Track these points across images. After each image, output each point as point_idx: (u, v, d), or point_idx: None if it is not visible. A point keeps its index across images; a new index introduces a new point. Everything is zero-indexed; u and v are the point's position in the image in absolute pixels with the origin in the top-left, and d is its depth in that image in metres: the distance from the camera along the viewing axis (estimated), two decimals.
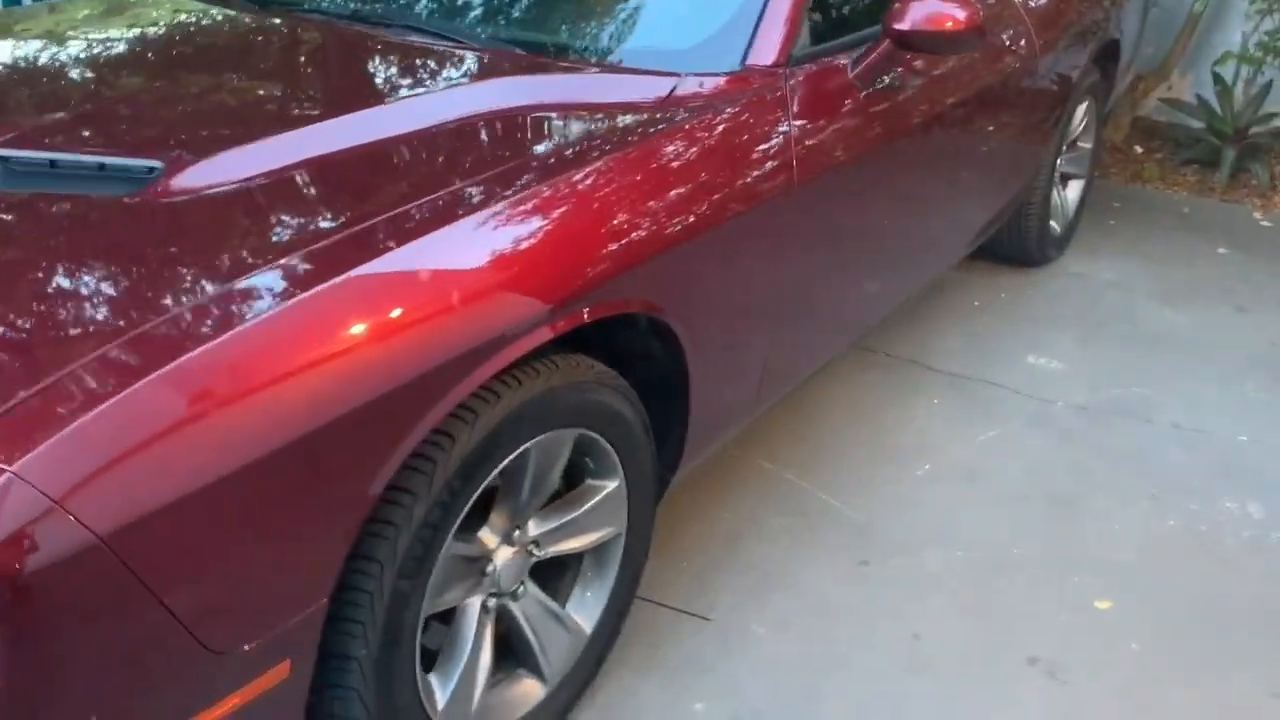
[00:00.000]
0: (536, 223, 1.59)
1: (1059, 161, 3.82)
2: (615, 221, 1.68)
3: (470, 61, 2.08)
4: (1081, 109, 3.86)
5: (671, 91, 1.95)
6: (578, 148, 1.74)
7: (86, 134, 1.71)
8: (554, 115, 1.87)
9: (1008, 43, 2.96)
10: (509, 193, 1.60)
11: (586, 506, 1.85)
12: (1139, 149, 5.34)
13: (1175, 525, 2.58)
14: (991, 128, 2.99)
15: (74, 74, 2.09)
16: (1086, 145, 4.05)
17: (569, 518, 1.83)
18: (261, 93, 2.00)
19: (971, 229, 3.22)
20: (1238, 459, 2.85)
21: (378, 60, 2.09)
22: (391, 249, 1.44)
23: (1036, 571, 2.40)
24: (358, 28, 2.22)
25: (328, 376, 1.30)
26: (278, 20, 2.30)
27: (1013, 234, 3.78)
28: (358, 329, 1.34)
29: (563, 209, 1.63)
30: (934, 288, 3.68)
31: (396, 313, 1.39)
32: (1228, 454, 2.87)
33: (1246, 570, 2.44)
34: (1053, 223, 3.91)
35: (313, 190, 1.60)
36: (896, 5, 2.20)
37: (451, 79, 1.98)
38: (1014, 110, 3.09)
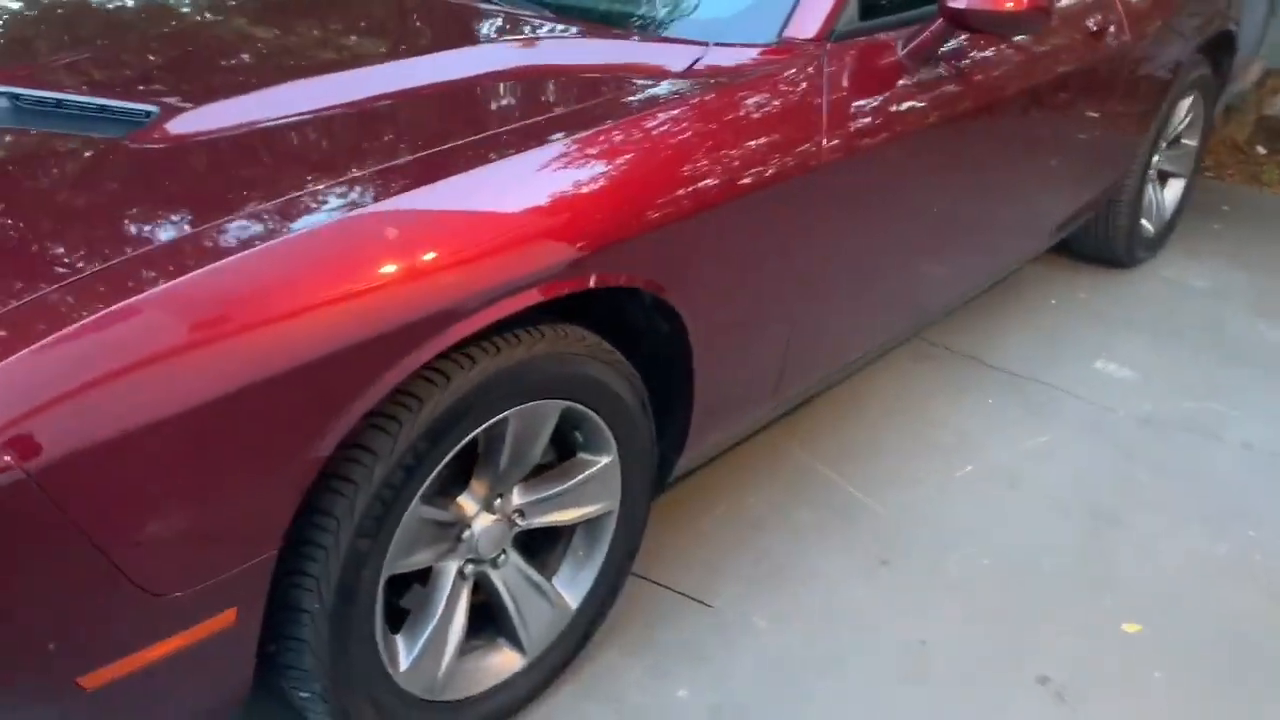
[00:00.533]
0: (526, 185, 1.56)
1: (1156, 158, 3.61)
2: (612, 190, 1.63)
3: (479, 20, 2.04)
4: (1186, 103, 3.63)
5: (695, 62, 1.89)
6: (577, 112, 1.70)
7: (97, 76, 1.74)
8: (559, 79, 1.82)
9: (1094, 27, 2.79)
10: (497, 153, 1.57)
11: (575, 480, 1.82)
12: (1262, 150, 5.02)
13: (1227, 552, 2.42)
14: (1069, 117, 2.83)
15: (90, 17, 2.13)
16: (1191, 142, 3.82)
17: (556, 490, 1.80)
18: (274, 42, 2.01)
19: (1046, 224, 3.07)
20: None
21: (393, 14, 2.07)
22: (373, 203, 1.42)
23: (1064, 587, 2.28)
24: None
25: (281, 329, 1.29)
26: None
27: (1099, 232, 3.59)
28: (320, 283, 1.33)
29: (554, 172, 1.59)
30: (1009, 283, 3.53)
31: (368, 268, 1.37)
32: None
33: None
34: (1145, 222, 3.71)
35: (300, 143, 1.59)
36: None
37: (446, 38, 1.95)
38: (1098, 100, 2.92)
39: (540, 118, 1.67)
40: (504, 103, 1.72)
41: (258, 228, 1.35)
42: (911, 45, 2.15)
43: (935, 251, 2.55)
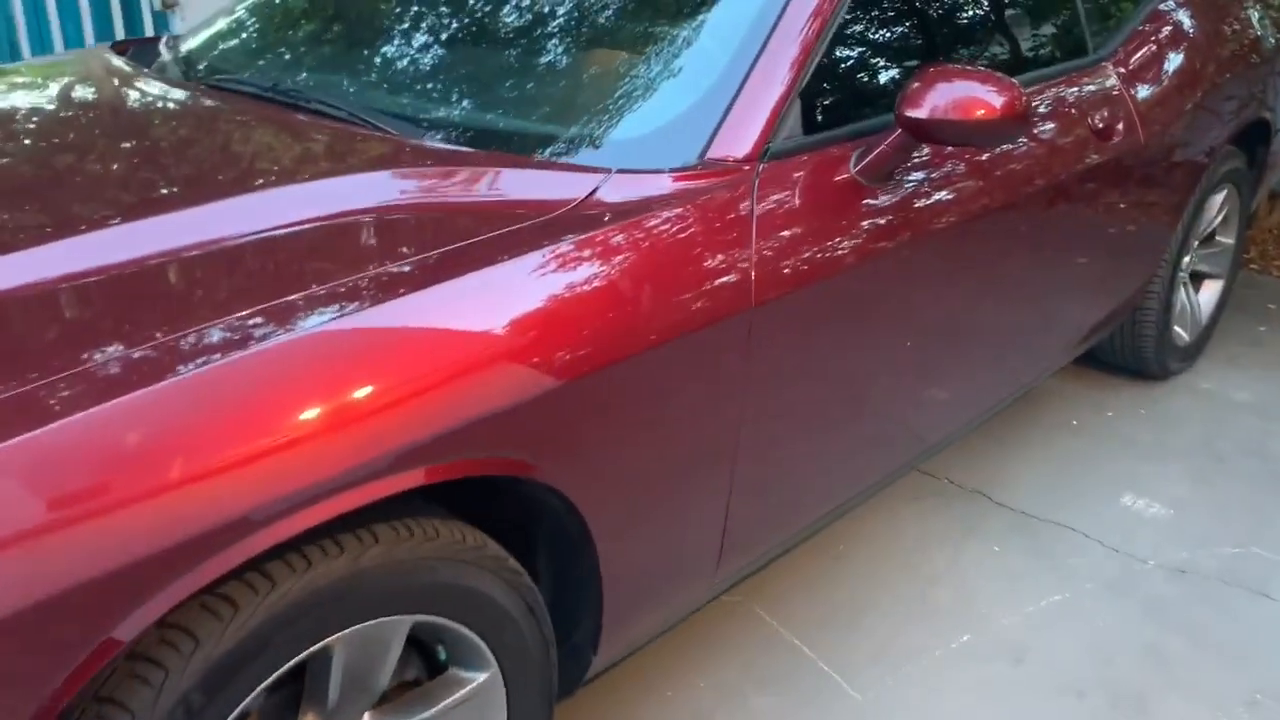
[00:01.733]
0: (337, 361, 1.25)
1: (1187, 259, 3.25)
2: (462, 357, 1.33)
3: (350, 148, 1.74)
4: (1218, 199, 3.28)
5: (591, 193, 1.59)
6: (422, 262, 1.40)
7: None
8: (408, 220, 1.52)
9: (1099, 124, 2.47)
10: (316, 318, 1.27)
11: (445, 703, 1.49)
12: None
13: None
14: (1074, 225, 2.49)
15: None
16: (1227, 240, 3.45)
17: (423, 716, 1.47)
18: (108, 174, 1.73)
19: (1057, 340, 2.71)
20: None
21: (251, 139, 1.79)
22: (144, 384, 1.13)
23: None
24: (250, 102, 1.94)
25: None
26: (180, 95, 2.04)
27: (1126, 342, 3.22)
28: (36, 505, 1.04)
29: (379, 341, 1.28)
30: (1027, 399, 3.17)
31: (104, 479, 1.07)
32: None
33: None
34: (1178, 329, 3.33)
35: (40, 317, 1.30)
36: (913, 86, 1.78)
37: (308, 170, 1.65)
38: (1108, 204, 2.58)
39: (370, 271, 1.37)
40: (328, 254, 1.42)
41: None
42: (866, 161, 1.84)
43: (916, 383, 2.20)
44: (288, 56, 2.12)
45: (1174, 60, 2.81)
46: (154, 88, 2.04)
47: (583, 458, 1.48)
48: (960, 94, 1.76)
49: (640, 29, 1.95)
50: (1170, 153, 2.78)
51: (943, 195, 2.00)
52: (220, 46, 2.22)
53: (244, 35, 2.24)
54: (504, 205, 1.56)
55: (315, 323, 1.27)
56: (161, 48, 2.22)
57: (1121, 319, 3.09)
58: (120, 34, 4.68)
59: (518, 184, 1.61)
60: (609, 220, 1.53)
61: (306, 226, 1.49)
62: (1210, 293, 3.48)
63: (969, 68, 1.81)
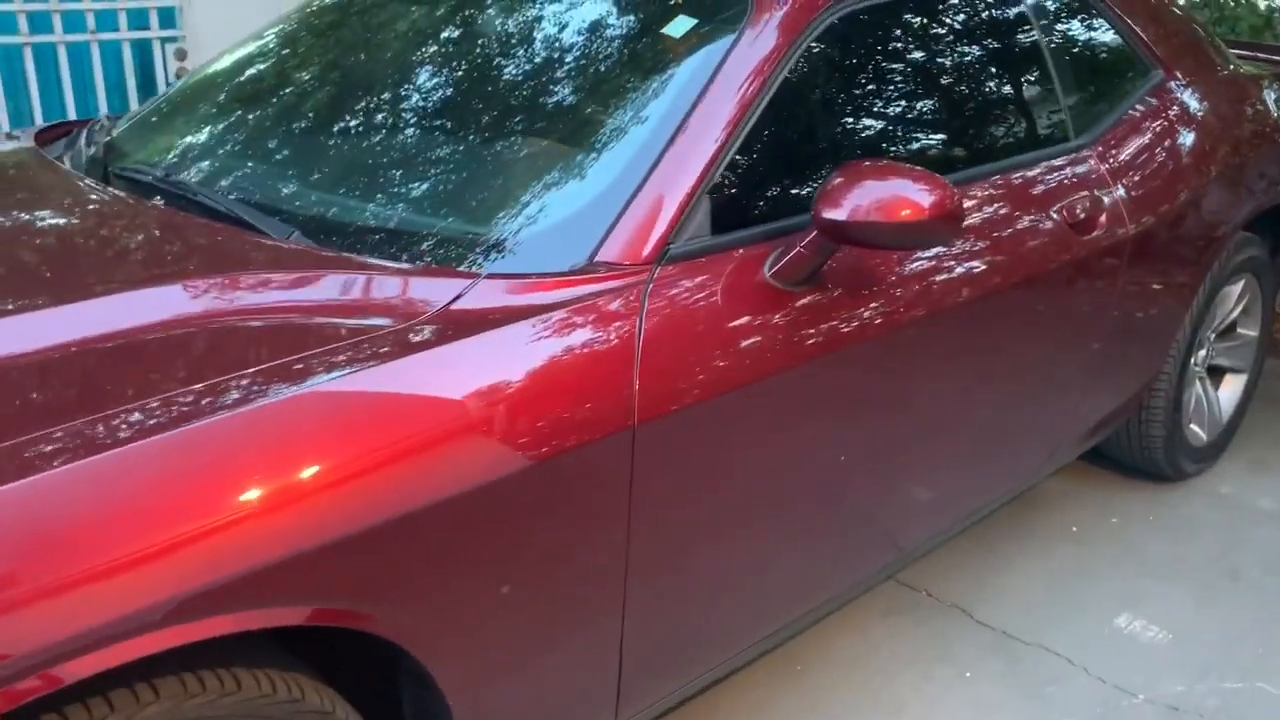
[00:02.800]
0: (126, 491, 1.13)
1: (1202, 353, 3.02)
2: (266, 490, 1.19)
3: (204, 247, 1.63)
4: (1235, 289, 3.05)
5: (452, 301, 1.46)
6: (238, 381, 1.27)
7: None
8: (237, 331, 1.39)
9: (1080, 216, 2.28)
10: (104, 444, 1.15)
11: None
12: None
13: None
14: (1043, 323, 2.30)
15: None
16: (1249, 332, 3.21)
17: None
18: None
19: (1036, 446, 2.51)
20: None
21: (104, 235, 1.68)
22: None
23: None
24: (133, 196, 1.84)
25: None
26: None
27: (1134, 441, 2.99)
28: None
29: (172, 472, 1.16)
30: (1024, 500, 2.94)
31: None
32: None
33: None
34: (1195, 428, 3.09)
35: None
36: (833, 183, 1.63)
37: (148, 274, 1.54)
38: (1089, 299, 2.39)
39: (170, 392, 1.24)
40: (135, 370, 1.30)
41: None
42: (781, 264, 1.68)
43: (860, 495, 2.02)
44: (187, 149, 2.04)
45: (1168, 143, 2.62)
46: (48, 180, 1.97)
47: (426, 605, 1.33)
48: (883, 193, 1.61)
49: (541, 121, 1.83)
50: (1168, 243, 2.58)
51: (881, 295, 1.84)
52: (133, 137, 2.16)
53: (157, 126, 2.18)
54: (349, 314, 1.43)
55: (101, 451, 1.14)
56: (81, 136, 2.16)
57: (1126, 416, 2.87)
58: (134, 103, 4.73)
59: (369, 290, 1.49)
60: (465, 331, 1.40)
61: (132, 338, 1.37)
62: (1232, 389, 3.23)
63: (894, 163, 1.66)
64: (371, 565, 1.26)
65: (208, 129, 2.08)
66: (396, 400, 1.30)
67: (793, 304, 1.70)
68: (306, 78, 2.19)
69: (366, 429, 1.27)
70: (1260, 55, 3.56)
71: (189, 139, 2.07)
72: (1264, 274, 3.12)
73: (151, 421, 1.20)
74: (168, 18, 4.78)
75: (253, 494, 1.18)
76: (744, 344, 1.64)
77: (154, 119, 2.23)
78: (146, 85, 4.80)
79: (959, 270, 1.99)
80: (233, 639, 1.24)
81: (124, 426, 1.19)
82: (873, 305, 1.82)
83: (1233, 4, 4.26)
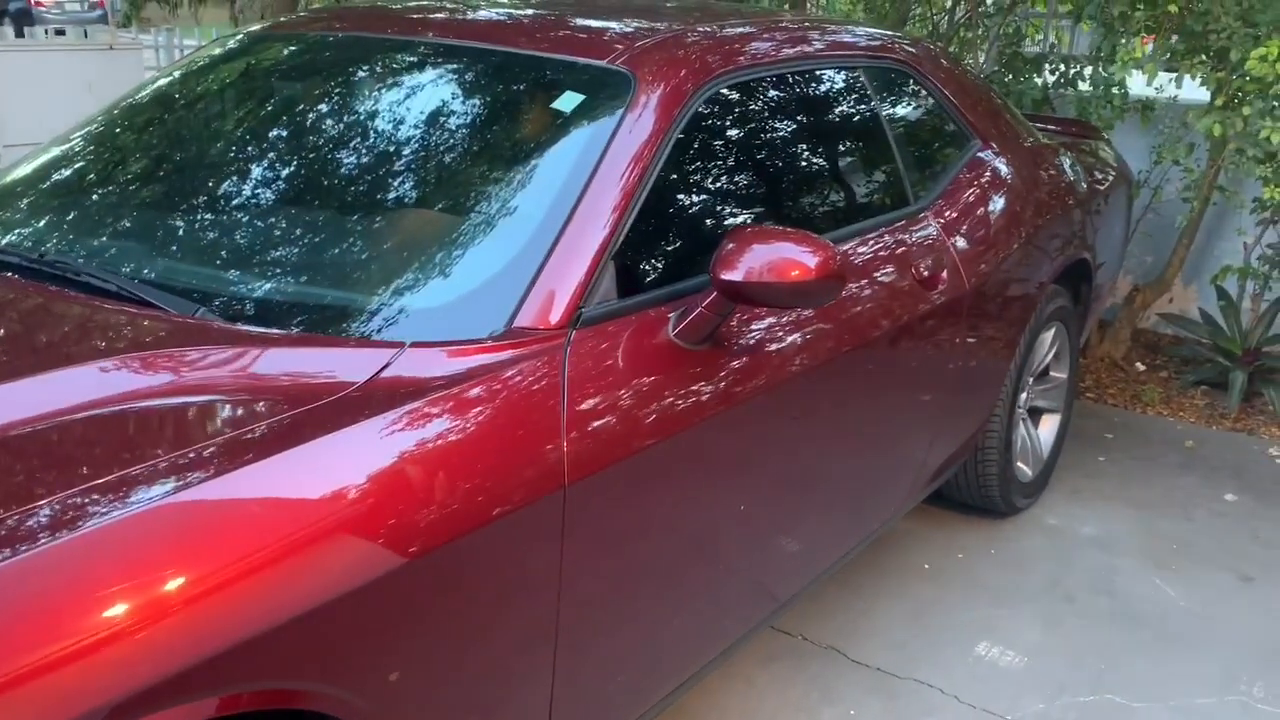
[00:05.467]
0: (48, 576, 1.08)
1: (1024, 396, 3.29)
2: (207, 574, 1.16)
3: (106, 328, 1.58)
4: (1048, 336, 3.35)
5: (378, 371, 1.46)
6: (154, 468, 1.24)
7: None
8: (152, 414, 1.36)
9: (924, 273, 2.48)
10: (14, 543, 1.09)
11: None
12: (1141, 366, 4.80)
13: None
14: (903, 373, 2.48)
15: None
16: (1060, 375, 3.52)
17: None
18: None
19: (893, 490, 2.67)
20: None
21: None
22: None
23: None
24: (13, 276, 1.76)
25: None
26: None
27: (971, 480, 3.22)
28: None
29: (76, 573, 1.11)
30: (879, 544, 3.11)
31: None
32: None
33: None
34: (1021, 465, 3.35)
35: None
36: (727, 248, 1.73)
37: (46, 358, 1.48)
38: (936, 350, 2.59)
39: (80, 484, 1.19)
40: (48, 458, 1.25)
41: None
42: (684, 324, 1.77)
43: (756, 543, 2.11)
44: (62, 222, 1.96)
45: (992, 207, 2.89)
46: None
47: (362, 680, 1.31)
48: (773, 255, 1.72)
49: (446, 193, 1.87)
50: (996, 296, 2.82)
51: (768, 352, 1.95)
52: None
53: (22, 197, 2.08)
54: (274, 392, 1.42)
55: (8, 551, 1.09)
56: None
57: (964, 458, 3.09)
58: None
59: (293, 365, 1.48)
60: (395, 402, 1.41)
61: (34, 427, 1.31)
62: (1049, 427, 3.53)
63: (781, 228, 1.78)
64: (309, 644, 1.24)
65: (87, 206, 2.00)
66: (341, 476, 1.30)
67: (695, 364, 1.79)
68: (215, 152, 2.11)
69: (292, 510, 1.25)
70: (1046, 125, 3.95)
71: (58, 220, 1.98)
72: (1070, 322, 3.45)
73: (52, 521, 1.14)
74: None
75: (174, 585, 1.13)
76: (655, 402, 1.70)
77: (4, 199, 2.12)
78: None
79: (828, 327, 2.13)
80: None
81: (32, 518, 1.14)
82: (760, 363, 1.92)
83: (1016, 81, 4.71)
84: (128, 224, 1.93)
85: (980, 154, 2.98)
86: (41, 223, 1.99)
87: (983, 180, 2.92)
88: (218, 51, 2.38)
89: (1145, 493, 3.57)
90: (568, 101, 1.91)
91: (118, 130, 2.24)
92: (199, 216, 1.92)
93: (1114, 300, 4.87)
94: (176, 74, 2.37)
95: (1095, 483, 3.64)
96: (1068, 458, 3.70)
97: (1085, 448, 3.89)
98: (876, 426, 2.44)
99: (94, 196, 2.04)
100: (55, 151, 2.24)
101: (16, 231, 1.97)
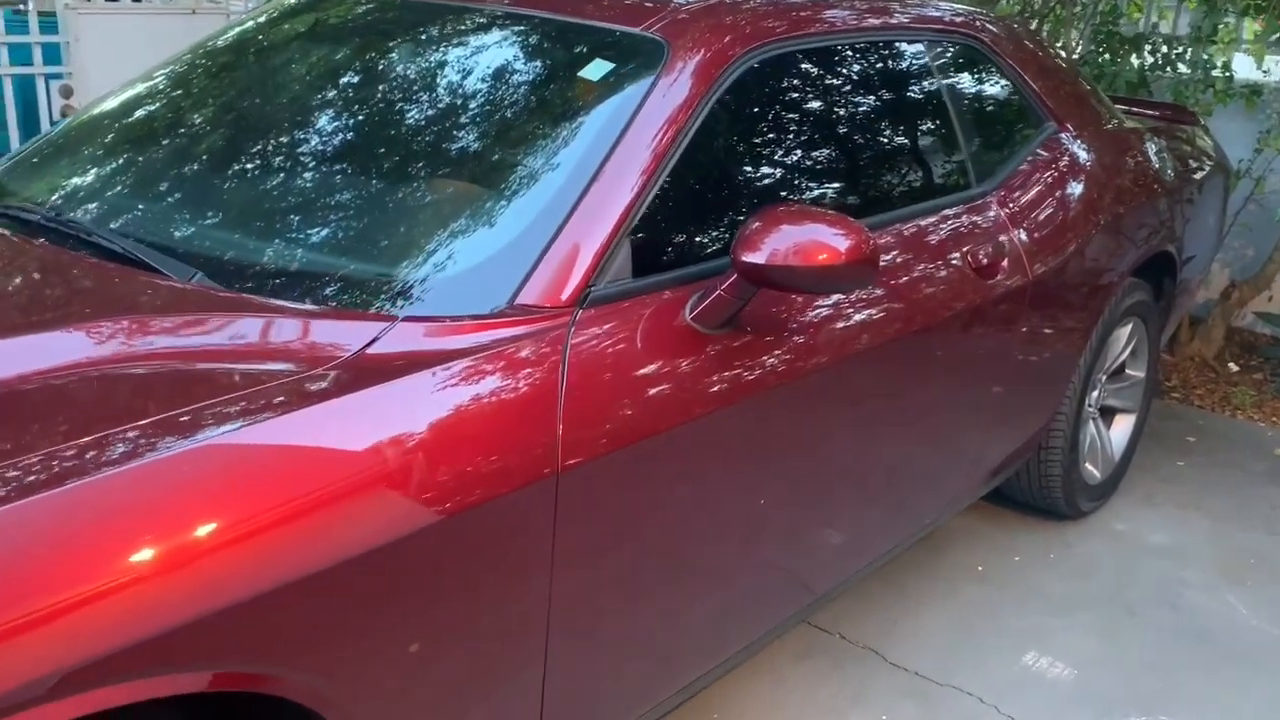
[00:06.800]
0: (8, 547, 1.05)
1: (1095, 394, 3.12)
2: (159, 548, 1.12)
3: (102, 289, 1.56)
4: (1124, 332, 3.17)
5: (367, 345, 1.41)
6: (124, 435, 1.20)
7: None
8: (134, 378, 1.33)
9: (982, 261, 2.35)
10: None
11: None
12: (1234, 367, 4.54)
13: None
14: (955, 365, 2.35)
15: None
16: (1137, 373, 3.33)
17: None
18: None
19: (942, 488, 2.55)
20: None
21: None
22: None
23: None
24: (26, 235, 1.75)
25: None
26: None
27: (1033, 480, 3.07)
28: None
29: (54, 531, 1.08)
30: (930, 542, 2.98)
31: None
32: None
33: None
34: (1089, 466, 3.18)
35: None
36: (751, 228, 1.64)
37: (40, 317, 1.46)
38: (993, 342, 2.45)
39: (55, 444, 1.17)
40: (23, 419, 1.23)
41: None
42: (702, 306, 1.68)
43: (778, 538, 2.02)
44: (79, 183, 1.96)
45: (1064, 193, 2.72)
46: None
47: (338, 666, 1.27)
48: (801, 237, 1.62)
49: (460, 163, 1.81)
50: (1063, 287, 2.66)
51: (795, 338, 1.85)
52: (16, 176, 2.06)
53: (43, 165, 2.08)
54: (257, 360, 1.38)
55: None
56: None
57: (1026, 456, 2.94)
58: (16, 140, 4.54)
59: (280, 334, 1.44)
60: (382, 376, 1.35)
61: (8, 388, 1.29)
62: (1122, 428, 3.35)
63: (811, 208, 1.68)
64: (280, 626, 1.20)
65: (106, 168, 2.00)
66: (311, 448, 1.25)
67: (713, 348, 1.70)
68: (221, 116, 2.11)
69: (269, 480, 1.22)
70: (1137, 110, 3.73)
71: (83, 178, 1.98)
72: (1149, 318, 3.25)
73: (30, 479, 1.12)
74: (53, 54, 4.61)
75: (144, 556, 1.11)
76: (665, 387, 1.62)
77: (41, 157, 2.13)
78: (29, 121, 4.61)
79: (869, 314, 2.02)
80: (132, 710, 1.17)
81: (15, 477, 1.11)
82: (789, 349, 1.83)
83: (1111, 62, 4.47)
84: (140, 184, 1.92)
85: (1056, 137, 2.81)
86: (68, 180, 1.99)
87: (1056, 165, 2.76)
88: (250, 24, 2.35)
89: (1225, 502, 3.37)
90: (595, 70, 1.83)
91: (144, 92, 2.24)
92: (206, 180, 1.89)
93: (1207, 296, 4.62)
94: (212, 42, 2.35)
95: (1170, 489, 3.44)
96: (1142, 460, 3.51)
97: (1163, 451, 3.69)
98: (920, 419, 2.32)
99: (115, 157, 2.03)
100: (91, 111, 2.25)
101: (46, 184, 1.98)
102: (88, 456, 1.16)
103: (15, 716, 1.03)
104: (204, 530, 1.15)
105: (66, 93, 4.48)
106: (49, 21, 4.57)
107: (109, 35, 4.47)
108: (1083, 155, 2.89)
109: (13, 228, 1.79)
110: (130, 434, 1.21)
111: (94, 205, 1.88)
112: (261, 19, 2.34)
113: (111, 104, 2.26)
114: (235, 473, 1.21)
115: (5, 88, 4.48)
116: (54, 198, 1.91)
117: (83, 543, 1.09)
